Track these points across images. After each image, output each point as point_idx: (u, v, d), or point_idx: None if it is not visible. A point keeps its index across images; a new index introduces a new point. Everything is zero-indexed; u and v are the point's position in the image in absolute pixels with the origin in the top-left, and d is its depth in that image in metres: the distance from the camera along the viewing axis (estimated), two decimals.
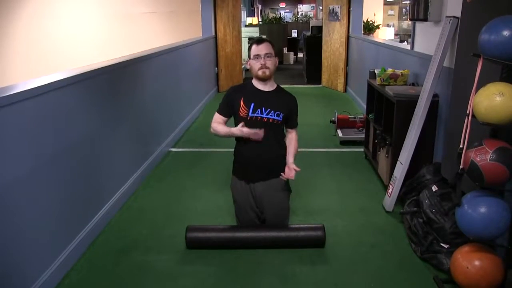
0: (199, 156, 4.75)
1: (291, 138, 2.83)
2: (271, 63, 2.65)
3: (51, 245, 2.48)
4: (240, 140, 2.75)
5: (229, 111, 2.76)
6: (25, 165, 2.23)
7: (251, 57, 2.68)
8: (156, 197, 3.65)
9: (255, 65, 2.65)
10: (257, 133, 2.63)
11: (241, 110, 2.68)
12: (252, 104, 2.66)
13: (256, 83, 2.73)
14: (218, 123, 2.76)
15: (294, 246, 2.78)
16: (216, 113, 2.79)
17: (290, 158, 2.75)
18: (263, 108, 2.66)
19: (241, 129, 2.64)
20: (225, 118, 2.78)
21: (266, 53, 2.64)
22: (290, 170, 2.68)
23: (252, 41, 2.76)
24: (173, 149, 4.91)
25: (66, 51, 7.36)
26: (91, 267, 2.65)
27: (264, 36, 11.87)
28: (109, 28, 7.81)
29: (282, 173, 2.70)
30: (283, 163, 2.76)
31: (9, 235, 2.11)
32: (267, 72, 2.65)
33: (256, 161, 2.71)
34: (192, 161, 4.56)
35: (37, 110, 2.35)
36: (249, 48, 2.71)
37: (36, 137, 2.33)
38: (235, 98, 2.72)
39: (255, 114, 2.66)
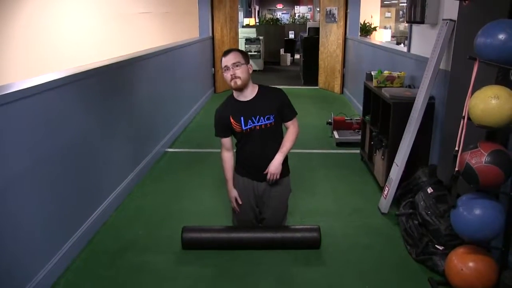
0: (196, 156, 4.75)
1: (287, 132, 2.74)
2: (240, 71, 2.58)
3: (47, 245, 2.47)
4: (240, 145, 2.75)
5: (226, 131, 2.75)
6: (20, 165, 2.23)
7: (222, 69, 2.63)
8: (153, 198, 3.65)
9: (227, 77, 2.61)
10: (235, 207, 2.83)
11: (234, 127, 2.67)
12: (242, 118, 2.64)
13: (237, 95, 2.69)
14: (225, 152, 2.80)
15: (290, 247, 2.79)
16: (219, 137, 2.79)
17: (276, 156, 2.66)
18: (253, 118, 2.63)
19: (230, 193, 2.82)
20: (227, 139, 2.78)
21: (234, 63, 2.57)
22: (268, 174, 2.66)
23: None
24: (170, 150, 4.90)
25: (64, 51, 7.35)
26: (87, 267, 2.64)
27: (261, 38, 11.91)
28: (106, 28, 7.80)
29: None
30: (285, 165, 2.76)
31: (4, 235, 2.10)
32: (238, 82, 2.58)
33: (258, 166, 2.70)
34: (188, 161, 4.56)
35: (33, 109, 2.34)
36: (220, 61, 2.66)
37: (32, 137, 2.33)
38: (224, 120, 2.69)
39: (249, 126, 2.64)
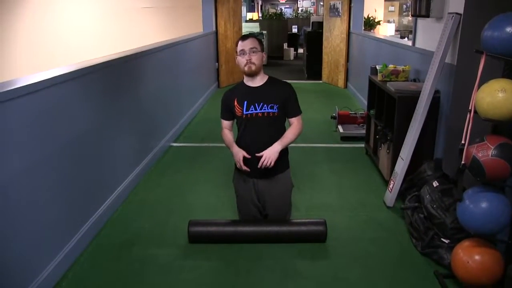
0: (200, 150, 4.76)
1: (291, 126, 2.72)
2: (256, 58, 2.64)
3: (54, 239, 2.49)
4: (240, 134, 2.76)
5: (229, 115, 2.78)
6: (27, 159, 2.24)
7: (237, 53, 2.67)
8: (158, 192, 3.66)
9: (241, 61, 2.65)
10: (241, 166, 2.64)
11: (236, 110, 2.69)
12: (245, 102, 2.66)
13: (246, 81, 2.73)
14: (225, 129, 2.82)
15: (296, 240, 2.80)
16: (221, 119, 2.83)
17: (275, 144, 2.62)
18: (256, 104, 2.65)
19: (236, 153, 2.66)
20: (229, 122, 2.82)
21: (251, 48, 2.62)
22: (262, 157, 2.58)
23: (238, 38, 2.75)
24: (174, 144, 4.92)
25: (69, 46, 7.36)
26: (94, 261, 2.66)
27: (264, 32, 11.88)
28: (110, 23, 7.80)
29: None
30: (285, 158, 2.76)
31: (11, 230, 2.12)
32: (253, 67, 2.63)
33: (256, 158, 2.70)
34: (193, 155, 4.58)
35: (39, 104, 2.35)
36: (236, 45, 2.71)
37: (37, 132, 2.34)
38: (229, 102, 2.73)
39: (250, 111, 2.66)
